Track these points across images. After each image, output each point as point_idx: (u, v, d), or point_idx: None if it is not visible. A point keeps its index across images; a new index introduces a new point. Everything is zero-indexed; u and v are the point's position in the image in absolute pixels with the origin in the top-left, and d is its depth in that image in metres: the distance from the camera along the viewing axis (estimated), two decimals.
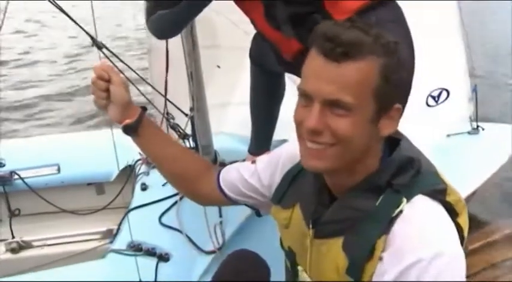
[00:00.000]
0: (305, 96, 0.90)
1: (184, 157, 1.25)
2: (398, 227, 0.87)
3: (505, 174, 2.99)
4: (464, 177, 2.35)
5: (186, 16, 1.61)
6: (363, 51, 0.84)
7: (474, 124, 2.70)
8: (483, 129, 2.69)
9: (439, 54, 2.53)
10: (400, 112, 0.92)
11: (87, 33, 1.58)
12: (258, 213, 1.28)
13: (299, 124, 0.92)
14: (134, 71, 1.84)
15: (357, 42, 0.84)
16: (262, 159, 1.20)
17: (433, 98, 2.64)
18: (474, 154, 2.58)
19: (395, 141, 0.96)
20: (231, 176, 1.21)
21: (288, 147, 1.17)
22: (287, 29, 1.52)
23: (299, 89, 0.91)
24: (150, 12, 1.57)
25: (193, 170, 1.24)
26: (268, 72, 2.06)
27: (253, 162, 1.21)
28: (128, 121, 1.16)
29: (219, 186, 1.22)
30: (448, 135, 2.65)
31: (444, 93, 2.63)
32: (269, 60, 1.93)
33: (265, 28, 1.62)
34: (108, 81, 1.13)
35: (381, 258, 0.87)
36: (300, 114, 0.91)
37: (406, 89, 0.93)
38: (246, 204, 1.25)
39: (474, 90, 2.68)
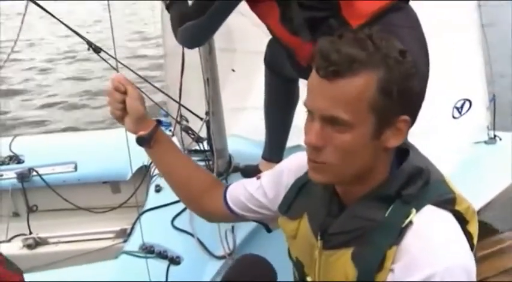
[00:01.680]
0: (308, 111, 0.92)
1: (193, 173, 1.27)
2: (409, 238, 0.87)
3: None
4: (479, 187, 2.33)
5: (213, 25, 1.64)
6: (355, 69, 0.85)
7: (491, 133, 2.66)
8: (500, 139, 2.65)
9: (457, 62, 2.50)
10: (408, 123, 0.91)
11: (83, 38, 1.60)
12: (267, 229, 1.28)
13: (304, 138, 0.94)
14: (138, 74, 1.86)
15: (349, 60, 0.84)
16: (267, 173, 1.21)
17: (457, 109, 2.60)
18: (490, 164, 2.55)
19: (403, 151, 0.97)
20: (237, 192, 1.22)
21: (292, 159, 1.18)
22: (305, 34, 1.53)
23: (303, 103, 0.93)
24: (178, 24, 1.61)
25: (201, 187, 1.25)
26: (283, 78, 2.06)
27: (259, 177, 1.22)
28: (141, 133, 1.19)
29: (226, 203, 1.23)
30: (465, 145, 2.62)
31: (467, 104, 2.58)
32: (284, 66, 1.93)
33: (281, 33, 1.62)
34: (125, 93, 1.15)
35: (391, 270, 0.87)
36: (305, 128, 0.94)
37: (415, 99, 0.92)
38: (254, 220, 1.25)
39: (492, 100, 2.64)
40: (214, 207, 1.25)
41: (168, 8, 1.73)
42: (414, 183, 0.91)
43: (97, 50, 1.59)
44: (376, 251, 0.89)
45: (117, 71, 1.63)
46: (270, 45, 2.04)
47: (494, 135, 2.64)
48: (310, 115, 0.91)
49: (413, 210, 0.88)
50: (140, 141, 1.20)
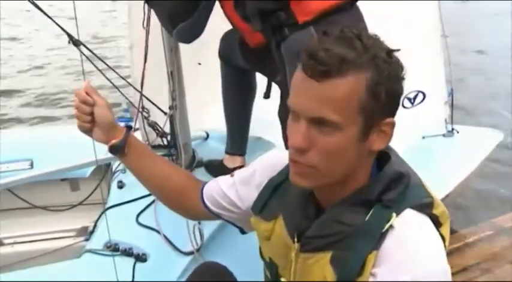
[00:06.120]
0: (293, 112, 0.89)
1: (170, 174, 1.24)
2: (390, 242, 0.86)
3: (479, 178, 3.05)
4: (438, 179, 2.38)
5: (200, 21, 1.77)
6: (345, 69, 0.82)
7: (449, 127, 2.73)
8: (458, 132, 2.73)
9: (415, 55, 2.56)
10: (394, 126, 0.90)
11: (65, 31, 1.57)
12: (241, 231, 1.25)
13: (288, 139, 0.91)
14: (114, 70, 1.82)
15: (339, 60, 0.82)
16: (240, 171, 1.20)
17: (409, 99, 2.66)
18: (448, 157, 2.62)
19: (383, 154, 0.95)
20: (212, 190, 1.20)
21: (265, 158, 1.17)
22: (256, 23, 1.59)
23: (288, 103, 0.90)
24: (173, 26, 1.77)
25: (180, 187, 1.23)
26: (238, 69, 2.08)
27: (232, 175, 1.20)
28: (114, 141, 1.16)
29: (203, 201, 1.21)
30: (423, 137, 2.68)
31: (420, 96, 2.65)
32: (238, 58, 1.99)
33: (234, 18, 1.74)
34: (92, 105, 1.13)
35: (373, 274, 0.86)
36: (289, 129, 0.90)
37: (398, 101, 0.91)
38: (228, 221, 1.22)
39: (450, 94, 2.72)
40: (193, 207, 1.23)
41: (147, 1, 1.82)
42: (395, 188, 0.91)
43: (76, 43, 1.56)
44: (357, 255, 0.87)
45: (92, 63, 1.61)
46: (224, 38, 2.08)
47: (452, 129, 2.72)
48: (295, 115, 0.88)
49: (394, 215, 0.87)
50: (114, 149, 1.17)
